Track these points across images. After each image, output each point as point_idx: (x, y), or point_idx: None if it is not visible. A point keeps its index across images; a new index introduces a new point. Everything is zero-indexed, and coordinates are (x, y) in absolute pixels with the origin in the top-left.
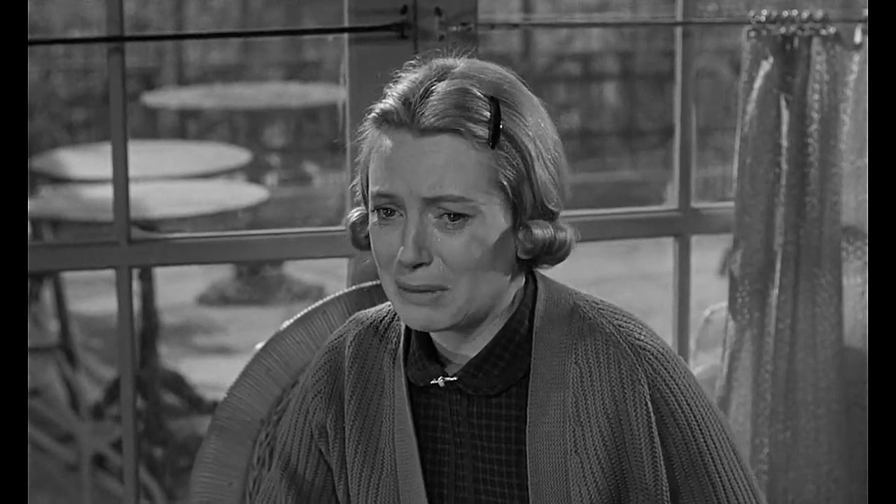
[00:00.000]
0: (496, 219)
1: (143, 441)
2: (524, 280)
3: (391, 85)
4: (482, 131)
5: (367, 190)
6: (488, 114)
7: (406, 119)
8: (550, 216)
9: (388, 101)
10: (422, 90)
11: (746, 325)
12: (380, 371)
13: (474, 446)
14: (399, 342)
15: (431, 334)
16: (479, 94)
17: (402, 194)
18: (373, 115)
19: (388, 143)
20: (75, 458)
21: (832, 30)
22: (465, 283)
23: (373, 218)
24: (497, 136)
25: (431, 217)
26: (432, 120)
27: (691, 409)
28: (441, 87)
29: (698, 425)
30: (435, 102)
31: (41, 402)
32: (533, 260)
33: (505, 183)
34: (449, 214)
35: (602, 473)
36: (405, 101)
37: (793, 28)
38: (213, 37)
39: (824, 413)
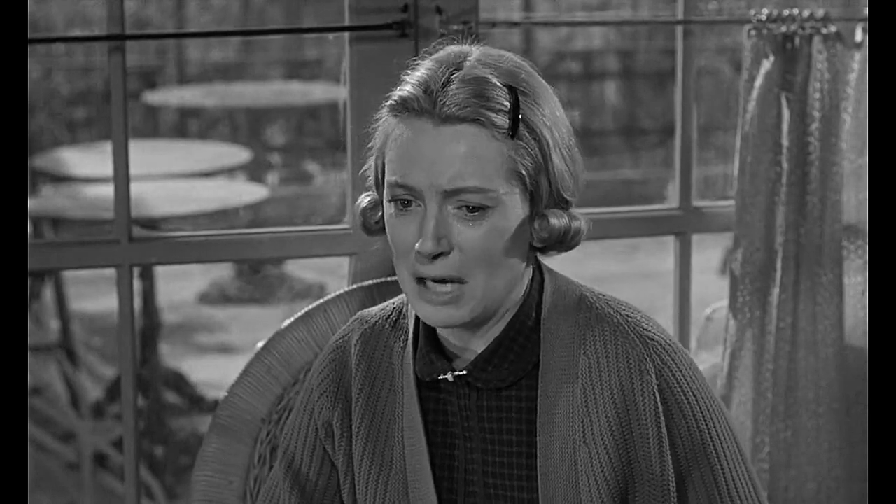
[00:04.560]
0: (515, 209)
1: (143, 440)
2: (532, 273)
3: (408, 72)
4: (502, 121)
5: (382, 177)
6: (507, 103)
7: (427, 107)
8: (565, 205)
9: (407, 89)
10: (442, 78)
11: (747, 324)
12: (388, 368)
13: (484, 440)
14: (407, 339)
15: (439, 330)
16: (498, 83)
17: (422, 186)
18: (391, 102)
19: (407, 131)
20: (76, 457)
21: (833, 28)
22: (482, 274)
23: (389, 209)
24: (517, 125)
25: (450, 208)
26: (454, 109)
27: (697, 400)
28: (460, 75)
29: (703, 416)
30: (455, 91)
31: (42, 400)
32: (543, 248)
33: (524, 172)
34: (468, 206)
35: (610, 463)
36: (426, 88)
37: (793, 27)
38: (213, 35)
39: (825, 411)
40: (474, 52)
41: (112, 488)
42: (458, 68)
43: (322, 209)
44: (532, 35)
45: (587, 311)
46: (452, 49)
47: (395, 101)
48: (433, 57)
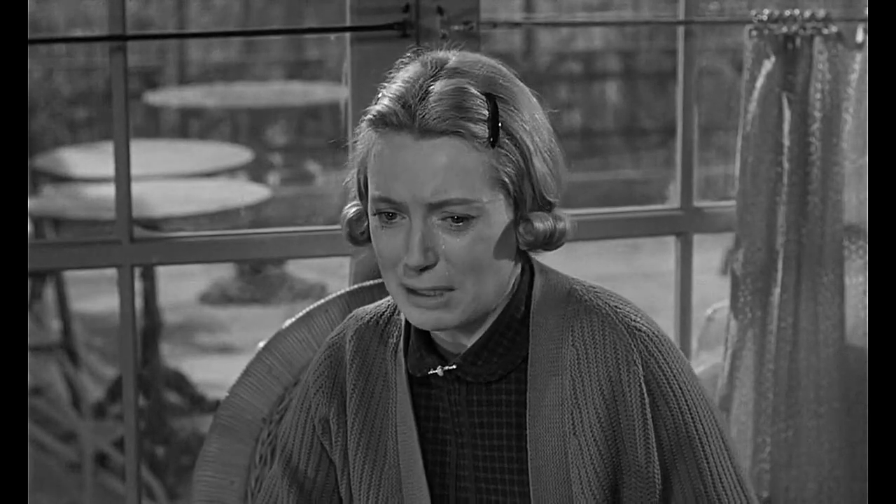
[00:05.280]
0: (499, 216)
1: (145, 440)
2: (521, 268)
3: (385, 85)
4: (482, 131)
5: (365, 189)
6: (486, 112)
7: (406, 121)
8: (549, 207)
9: (385, 103)
10: (419, 91)
11: (748, 324)
12: (381, 364)
13: (474, 434)
14: (399, 335)
15: None
16: (476, 92)
17: (406, 201)
18: (369, 116)
19: (387, 146)
20: (77, 457)
21: (834, 29)
22: (470, 281)
23: (374, 221)
24: (497, 134)
25: (435, 220)
26: (433, 122)
27: (683, 394)
28: (438, 86)
29: (689, 410)
30: (434, 104)
31: (43, 400)
32: (529, 250)
33: (506, 180)
34: (453, 217)
35: (599, 455)
36: (404, 102)
37: (794, 27)
38: (214, 36)
39: (826, 411)
40: (451, 59)
41: (113, 488)
42: (435, 78)
43: (323, 209)
44: (533, 35)
45: (576, 303)
46: (430, 56)
47: (374, 115)
48: (409, 67)
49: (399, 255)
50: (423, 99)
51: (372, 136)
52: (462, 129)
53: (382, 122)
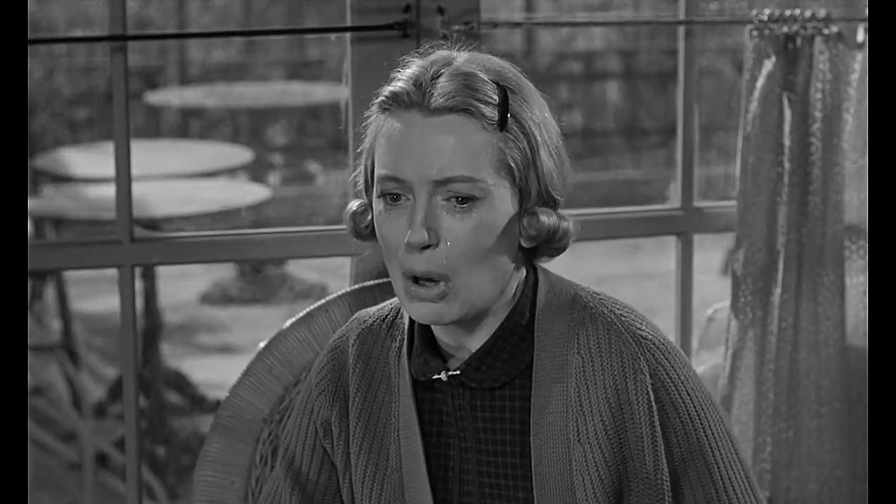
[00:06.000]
0: (504, 203)
1: (145, 440)
2: (525, 273)
3: (399, 70)
4: (491, 112)
5: (372, 177)
6: (496, 97)
7: (417, 99)
8: (553, 204)
9: (398, 84)
10: (431, 73)
11: (749, 324)
12: (384, 368)
13: (478, 440)
14: (403, 339)
15: (434, 329)
16: (486, 78)
17: (411, 179)
18: (380, 98)
19: (396, 124)
20: (78, 457)
21: (834, 29)
22: (469, 270)
23: (378, 205)
24: (506, 118)
25: (440, 200)
26: (442, 100)
27: (692, 400)
28: (450, 70)
29: (698, 416)
30: (445, 83)
31: (44, 400)
32: (534, 251)
33: (513, 165)
34: (457, 198)
35: (605, 462)
36: (416, 82)
37: (795, 27)
38: (215, 36)
39: (826, 412)
40: (463, 53)
41: (113, 488)
42: (448, 64)
43: (324, 209)
44: (533, 35)
45: (581, 310)
46: (441, 52)
47: (386, 96)
48: (422, 56)
49: (402, 237)
50: (435, 79)
51: (381, 119)
52: (471, 107)
53: (394, 100)
